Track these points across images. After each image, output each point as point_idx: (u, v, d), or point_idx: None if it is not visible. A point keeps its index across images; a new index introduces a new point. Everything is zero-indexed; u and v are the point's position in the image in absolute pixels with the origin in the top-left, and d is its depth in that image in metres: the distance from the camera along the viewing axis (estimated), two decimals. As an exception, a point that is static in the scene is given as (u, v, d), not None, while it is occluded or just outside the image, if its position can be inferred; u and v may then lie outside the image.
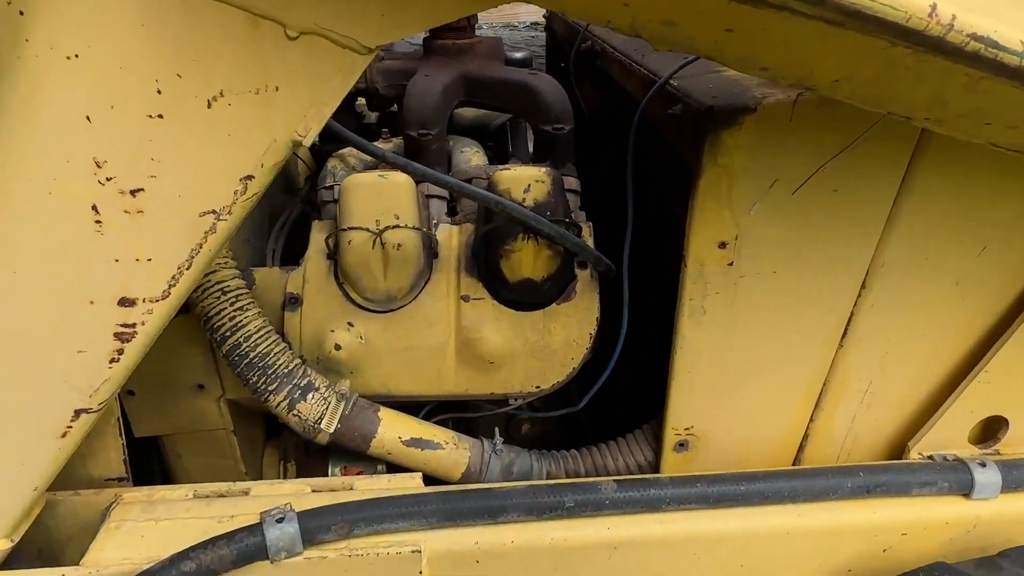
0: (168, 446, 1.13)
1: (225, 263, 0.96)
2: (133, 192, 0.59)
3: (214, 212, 0.61)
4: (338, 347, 1.01)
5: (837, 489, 0.88)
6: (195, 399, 1.08)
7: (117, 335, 0.66)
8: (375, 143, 1.24)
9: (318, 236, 1.07)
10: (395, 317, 1.04)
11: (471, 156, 1.21)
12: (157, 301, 0.65)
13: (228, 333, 0.94)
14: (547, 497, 0.84)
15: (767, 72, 0.59)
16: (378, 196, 1.00)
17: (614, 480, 0.88)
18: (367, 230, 0.99)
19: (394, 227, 0.99)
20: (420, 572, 0.82)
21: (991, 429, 1.01)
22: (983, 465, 0.90)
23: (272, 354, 0.95)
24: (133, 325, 0.66)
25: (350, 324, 1.03)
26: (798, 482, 0.88)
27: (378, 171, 1.03)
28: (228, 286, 0.95)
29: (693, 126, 0.81)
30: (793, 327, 0.92)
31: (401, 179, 1.01)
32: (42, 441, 0.71)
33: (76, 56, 0.54)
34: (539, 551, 0.85)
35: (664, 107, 0.89)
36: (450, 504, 0.83)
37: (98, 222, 0.60)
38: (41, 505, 0.83)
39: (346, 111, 1.34)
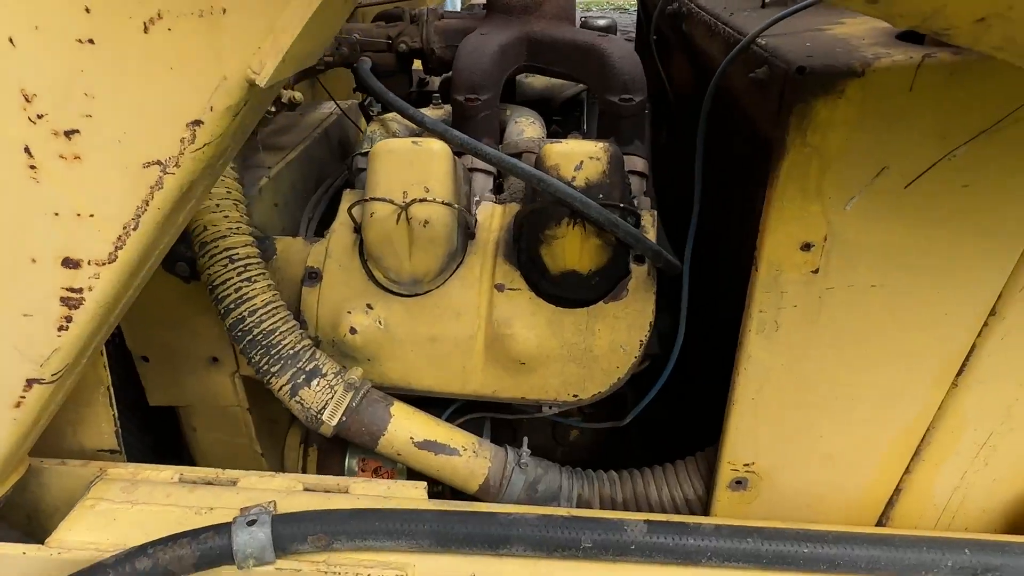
0: (183, 418, 1.08)
1: (237, 228, 0.88)
2: (68, 134, 0.50)
3: (159, 163, 0.51)
4: (353, 331, 0.91)
5: (933, 567, 0.69)
6: (208, 372, 1.01)
7: (63, 300, 0.57)
8: (423, 109, 1.13)
9: (345, 207, 0.96)
10: (420, 302, 0.92)
11: (525, 127, 1.07)
12: (104, 264, 0.56)
13: (232, 305, 0.85)
14: (561, 532, 0.71)
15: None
16: (408, 165, 0.88)
17: (645, 520, 0.73)
18: (392, 202, 0.87)
19: (422, 200, 0.87)
20: (406, 601, 0.70)
21: None
22: None
23: (278, 332, 0.86)
24: (80, 290, 0.57)
25: (369, 306, 0.92)
26: (881, 551, 0.70)
27: (413, 138, 0.91)
28: (237, 254, 0.86)
29: (779, 93, 0.64)
30: (893, 356, 0.73)
31: (437, 147, 0.89)
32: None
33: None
34: (547, 593, 0.71)
35: (747, 71, 0.72)
36: (446, 526, 0.71)
37: (32, 167, 0.52)
38: (21, 472, 0.78)
39: (402, 73, 1.23)
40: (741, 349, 0.75)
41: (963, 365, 0.73)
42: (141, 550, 0.68)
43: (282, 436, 1.17)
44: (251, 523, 0.70)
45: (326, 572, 0.70)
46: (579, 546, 0.70)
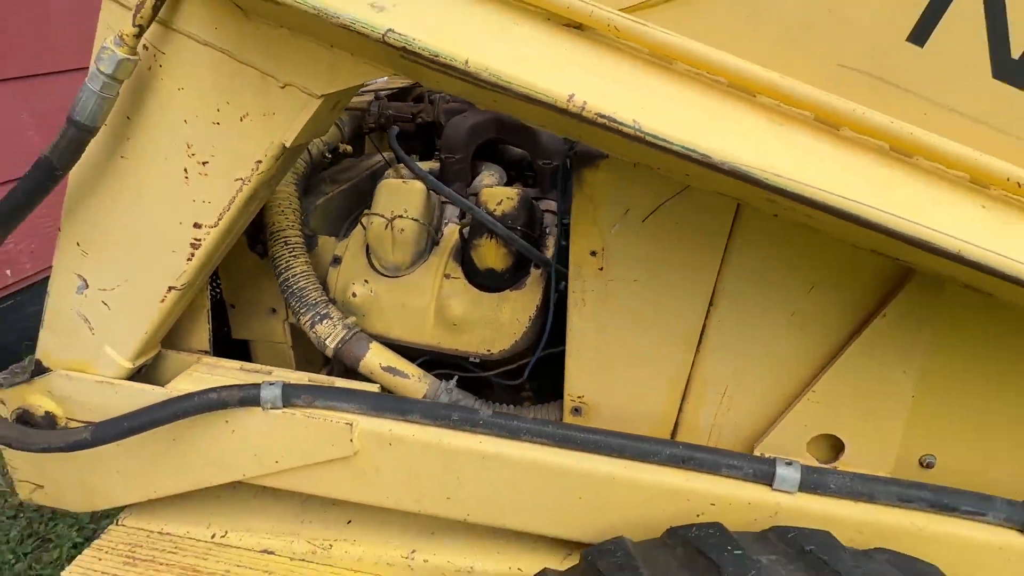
0: (252, 348, 1.65)
1: (291, 227, 1.45)
2: (203, 163, 1.08)
3: (240, 179, 1.07)
4: (355, 295, 1.45)
5: (657, 454, 1.13)
6: (269, 318, 1.58)
7: (192, 243, 1.15)
8: (427, 162, 1.69)
9: (362, 219, 1.53)
10: (397, 282, 1.46)
11: (486, 177, 1.60)
12: (212, 227, 1.13)
13: (282, 271, 1.42)
14: (440, 411, 1.20)
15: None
16: (396, 194, 1.43)
17: (492, 408, 1.21)
18: (383, 216, 1.42)
19: (401, 217, 1.41)
20: (351, 440, 1.21)
21: (836, 449, 1.18)
22: (788, 464, 1.09)
23: (307, 289, 1.41)
24: (200, 240, 1.14)
25: (366, 281, 1.47)
26: (626, 441, 1.14)
27: (403, 179, 1.47)
28: (289, 240, 1.43)
29: (572, 164, 1.13)
30: (654, 327, 1.19)
31: (416, 186, 1.44)
32: (151, 303, 1.22)
33: (181, 89, 1.04)
34: (430, 447, 1.20)
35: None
36: (376, 401, 1.22)
37: (186, 177, 1.10)
38: (155, 351, 1.36)
39: (418, 138, 1.80)
40: (568, 319, 1.23)
41: (700, 338, 1.18)
42: (212, 389, 1.23)
43: (312, 369, 1.72)
44: (272, 384, 1.24)
45: (309, 416, 1.22)
46: (450, 419, 1.19)
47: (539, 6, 0.83)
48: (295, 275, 1.41)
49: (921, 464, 1.17)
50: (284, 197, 1.47)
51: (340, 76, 0.96)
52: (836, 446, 1.17)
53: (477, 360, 1.46)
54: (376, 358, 1.40)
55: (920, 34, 0.78)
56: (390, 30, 0.79)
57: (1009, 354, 1.06)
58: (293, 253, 1.43)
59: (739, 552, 0.97)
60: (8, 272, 2.94)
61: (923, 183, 0.81)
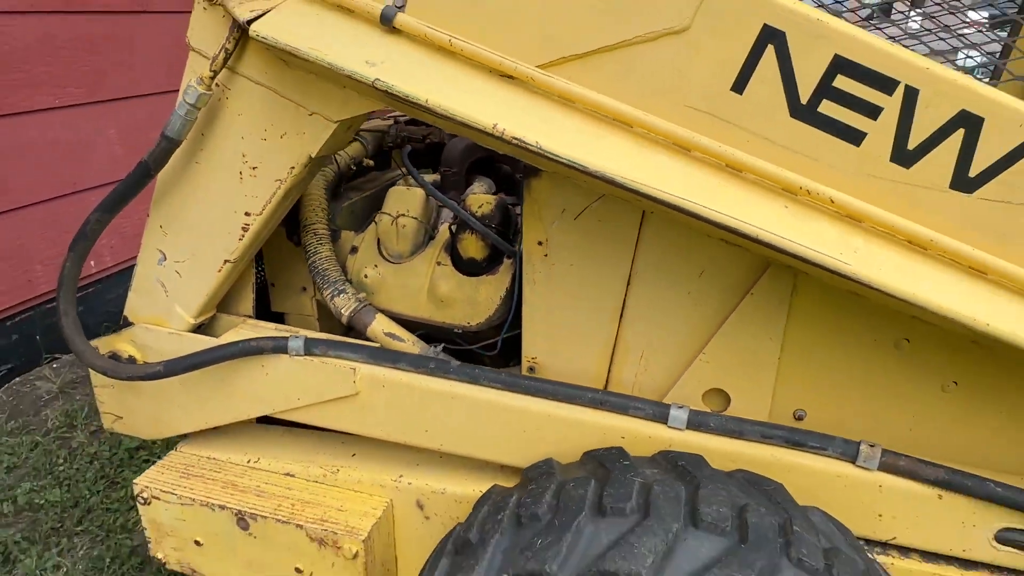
0: (286, 320, 2.05)
1: (320, 221, 1.85)
2: (253, 168, 1.49)
3: (279, 180, 1.48)
4: (366, 276, 1.84)
5: (580, 397, 1.47)
6: (300, 295, 1.98)
7: (242, 228, 1.55)
8: (431, 175, 2.08)
9: (374, 218, 1.92)
10: (400, 267, 1.84)
11: (476, 187, 1.98)
12: (258, 215, 1.53)
13: (311, 256, 1.81)
14: (421, 361, 1.57)
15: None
16: (401, 198, 1.82)
17: (458, 362, 1.58)
18: (390, 215, 1.81)
19: (403, 215, 1.80)
20: (354, 381, 1.59)
21: (725, 400, 1.50)
22: (680, 407, 1.42)
23: (329, 270, 1.80)
24: (248, 225, 1.55)
25: (376, 266, 1.85)
26: (557, 387, 1.48)
27: (409, 186, 1.86)
28: (318, 232, 1.83)
29: (523, 174, 1.50)
30: (587, 303, 1.53)
31: (417, 192, 1.82)
32: (210, 272, 1.63)
33: (240, 115, 1.45)
34: (413, 388, 1.57)
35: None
36: (373, 353, 1.60)
37: (241, 178, 1.51)
38: (212, 312, 1.77)
39: (428, 155, 2.20)
40: (523, 295, 1.59)
41: (622, 312, 1.52)
42: (254, 338, 1.63)
43: (336, 345, 2.11)
44: (297, 337, 1.63)
45: (323, 362, 1.60)
46: (427, 366, 1.56)
47: (482, 63, 1.20)
48: (321, 259, 1.81)
49: (795, 417, 1.48)
50: (316, 199, 1.88)
51: (350, 107, 1.36)
52: (725, 398, 1.49)
53: (460, 332, 1.82)
54: (380, 325, 1.77)
55: (739, 86, 1.13)
56: (377, 79, 1.18)
57: (851, 325, 1.37)
58: (320, 242, 1.83)
59: (628, 463, 1.30)
60: (92, 263, 3.46)
61: (745, 190, 1.15)
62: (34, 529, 2.43)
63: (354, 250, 1.90)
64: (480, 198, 1.77)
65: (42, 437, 2.85)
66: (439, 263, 1.81)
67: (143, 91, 3.53)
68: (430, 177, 2.01)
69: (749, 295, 1.39)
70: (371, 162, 2.16)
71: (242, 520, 1.64)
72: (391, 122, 2.25)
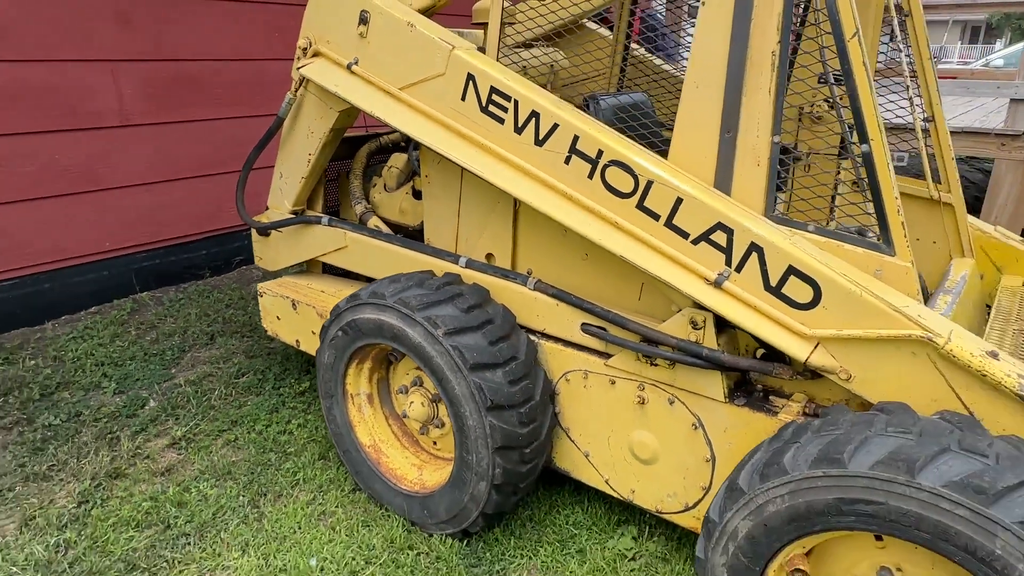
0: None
1: (358, 172, 3.58)
2: (311, 133, 3.26)
3: (320, 138, 3.22)
4: (375, 198, 3.53)
5: (425, 251, 2.99)
6: (348, 210, 3.74)
7: (307, 160, 3.34)
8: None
9: (382, 169, 3.60)
10: (390, 194, 3.50)
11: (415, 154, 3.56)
12: (313, 155, 3.30)
13: (351, 186, 3.55)
14: (374, 233, 3.21)
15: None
16: (395, 159, 3.48)
17: (393, 234, 3.19)
18: (388, 166, 3.49)
19: (393, 167, 3.46)
20: (344, 238, 3.28)
21: (493, 259, 2.90)
22: (463, 258, 2.87)
23: (356, 192, 3.52)
24: (310, 159, 3.32)
25: (379, 193, 3.53)
26: (420, 247, 3.02)
27: (400, 154, 3.52)
28: (356, 175, 3.56)
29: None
30: (446, 208, 3.04)
31: (403, 155, 3.47)
32: (296, 183, 3.44)
33: (305, 108, 3.23)
34: (371, 245, 3.21)
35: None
36: (354, 227, 3.28)
37: (308, 137, 3.30)
38: (302, 206, 3.59)
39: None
40: (424, 206, 3.15)
41: (459, 211, 3.00)
42: (319, 215, 3.40)
43: (372, 242, 3.85)
44: (323, 216, 3.36)
45: (333, 230, 3.32)
46: (378, 235, 3.19)
47: (379, 87, 2.82)
48: (354, 188, 3.54)
49: (526, 272, 2.84)
50: (359, 161, 3.62)
51: (338, 105, 3.06)
52: (493, 258, 2.90)
53: (411, 228, 3.41)
54: (373, 221, 3.45)
55: (463, 98, 2.61)
56: (337, 91, 2.86)
57: (546, 221, 2.71)
58: (355, 180, 3.56)
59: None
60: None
61: (475, 150, 2.62)
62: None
63: (374, 185, 3.61)
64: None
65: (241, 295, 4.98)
66: (407, 193, 3.44)
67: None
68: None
69: (497, 203, 2.81)
70: (393, 137, 3.86)
71: (295, 304, 3.43)
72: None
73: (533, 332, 2.71)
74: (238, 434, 3.38)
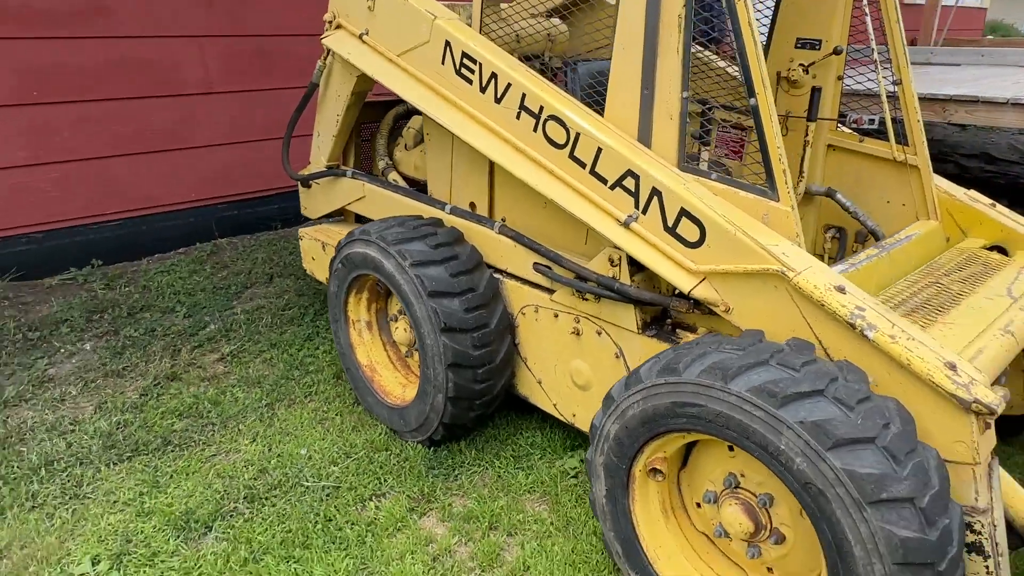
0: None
1: (384, 132, 4.04)
2: (339, 95, 3.75)
3: (346, 100, 3.69)
4: (397, 154, 3.98)
5: (422, 199, 3.40)
6: (375, 165, 4.21)
7: (336, 120, 3.84)
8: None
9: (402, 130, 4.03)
10: (408, 152, 3.93)
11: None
12: (340, 116, 3.78)
13: (377, 144, 4.02)
14: (387, 185, 3.66)
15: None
16: (414, 120, 3.91)
17: (402, 185, 3.63)
18: (408, 127, 3.92)
19: (411, 128, 3.89)
20: (362, 188, 3.76)
21: (474, 207, 3.26)
22: (449, 206, 3.25)
23: (380, 150, 3.98)
24: (338, 118, 3.81)
25: (400, 151, 3.97)
26: (419, 195, 3.44)
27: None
28: (383, 135, 4.02)
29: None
30: (441, 161, 3.43)
31: (420, 116, 3.89)
32: (328, 139, 3.95)
33: (334, 73, 3.71)
34: (383, 194, 3.67)
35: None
36: (371, 179, 3.74)
37: (336, 99, 3.79)
38: (336, 161, 4.11)
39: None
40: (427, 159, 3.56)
41: (451, 163, 3.38)
42: (347, 169, 3.91)
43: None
44: (349, 170, 3.85)
45: (352, 180, 3.81)
46: (391, 187, 3.64)
47: (382, 53, 3.24)
48: (379, 146, 4.01)
49: (501, 221, 3.18)
50: (386, 124, 4.07)
51: (356, 70, 3.51)
52: (474, 206, 3.26)
53: (422, 181, 3.83)
54: (393, 175, 3.90)
55: (442, 62, 2.98)
56: (350, 56, 3.32)
57: (509, 177, 3.04)
58: (381, 139, 4.02)
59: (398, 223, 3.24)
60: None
61: (451, 109, 3.00)
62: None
63: (397, 144, 4.06)
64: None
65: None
66: (421, 151, 3.87)
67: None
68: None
69: (477, 158, 3.16)
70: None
71: (324, 246, 3.96)
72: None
73: (500, 271, 3.07)
74: (274, 354, 3.97)
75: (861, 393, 1.74)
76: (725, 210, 2.21)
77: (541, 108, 2.61)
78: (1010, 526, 1.90)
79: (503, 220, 3.11)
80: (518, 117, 2.70)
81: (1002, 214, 2.84)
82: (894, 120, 2.94)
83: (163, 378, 3.71)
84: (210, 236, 5.38)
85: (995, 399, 1.72)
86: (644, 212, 2.36)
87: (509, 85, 2.71)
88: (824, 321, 1.97)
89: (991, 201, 2.91)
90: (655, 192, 2.32)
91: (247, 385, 3.66)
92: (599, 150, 2.45)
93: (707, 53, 3.51)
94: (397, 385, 3.33)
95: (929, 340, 1.87)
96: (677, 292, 2.50)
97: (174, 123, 5.03)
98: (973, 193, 2.95)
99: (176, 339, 4.11)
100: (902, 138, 2.96)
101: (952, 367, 1.79)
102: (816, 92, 3.06)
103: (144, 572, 2.45)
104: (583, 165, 2.52)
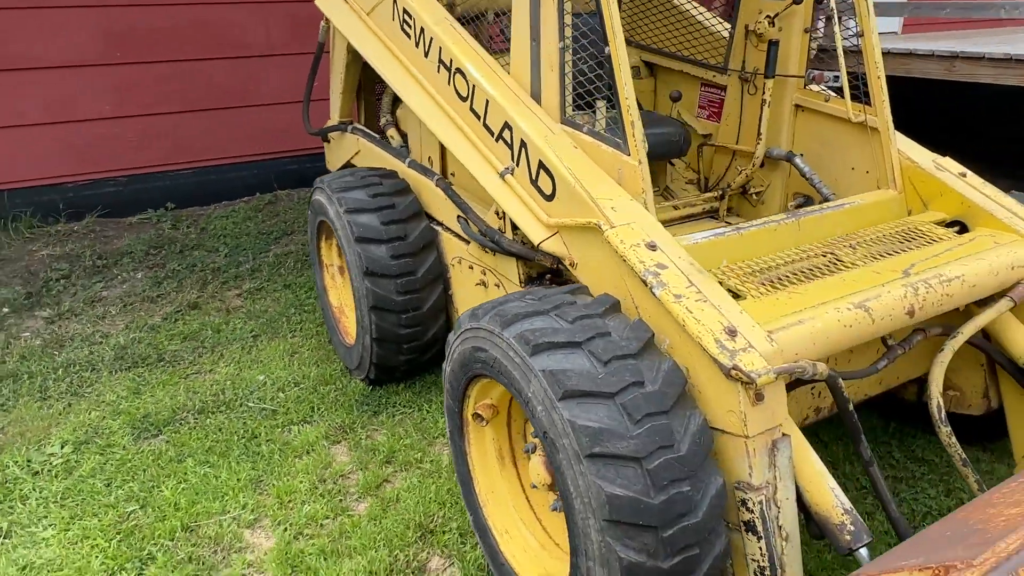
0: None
1: (389, 93, 4.23)
2: (342, 57, 4.00)
3: (345, 58, 3.93)
4: (398, 113, 4.16)
5: (405, 160, 3.56)
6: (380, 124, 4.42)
7: (341, 78, 4.09)
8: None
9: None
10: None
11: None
12: (343, 72, 4.03)
13: (382, 103, 4.23)
14: (383, 145, 3.87)
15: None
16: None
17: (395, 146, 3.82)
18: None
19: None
20: (357, 143, 3.98)
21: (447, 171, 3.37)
22: (431, 171, 3.38)
23: (384, 110, 4.18)
24: (342, 75, 4.07)
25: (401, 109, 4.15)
26: (416, 165, 3.60)
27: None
28: (389, 96, 4.22)
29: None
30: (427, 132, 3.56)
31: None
32: (337, 95, 4.21)
33: (335, 35, 3.94)
34: (376, 152, 3.88)
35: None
36: (368, 137, 3.96)
37: (343, 58, 4.04)
38: (348, 118, 4.38)
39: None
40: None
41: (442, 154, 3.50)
42: (358, 126, 4.16)
43: (410, 154, 4.51)
44: (350, 124, 4.09)
45: (353, 136, 4.04)
46: (387, 148, 3.84)
47: (356, 10, 3.42)
48: (384, 105, 4.21)
49: (452, 175, 3.26)
50: (388, 97, 4.25)
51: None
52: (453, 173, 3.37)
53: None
54: (391, 132, 4.09)
55: (397, 25, 3.10)
56: (330, 16, 3.53)
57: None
58: (387, 99, 4.21)
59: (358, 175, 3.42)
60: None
61: (403, 71, 3.12)
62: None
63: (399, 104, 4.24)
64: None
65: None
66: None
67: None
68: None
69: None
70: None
71: (329, 197, 4.25)
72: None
73: (439, 224, 3.17)
74: (283, 294, 4.36)
75: (623, 351, 1.69)
76: (577, 164, 2.17)
77: (451, 61, 2.67)
78: (807, 513, 1.76)
79: (453, 175, 3.20)
80: (438, 71, 2.77)
81: (970, 185, 2.48)
82: (855, 76, 2.65)
83: (186, 306, 4.22)
84: (271, 187, 5.90)
85: (758, 368, 1.60)
86: (518, 164, 2.37)
87: (431, 40, 2.78)
88: (631, 276, 1.90)
89: (962, 169, 2.55)
90: (523, 144, 2.31)
91: (248, 318, 4.06)
92: (487, 102, 2.47)
93: (683, 4, 3.33)
94: (356, 326, 3.56)
95: (728, 304, 1.76)
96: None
97: (240, 82, 5.56)
98: (944, 161, 2.60)
99: (210, 274, 4.62)
100: (867, 97, 2.66)
101: (731, 332, 1.68)
102: (773, 46, 2.82)
103: (95, 458, 2.89)
104: (478, 117, 2.55)
